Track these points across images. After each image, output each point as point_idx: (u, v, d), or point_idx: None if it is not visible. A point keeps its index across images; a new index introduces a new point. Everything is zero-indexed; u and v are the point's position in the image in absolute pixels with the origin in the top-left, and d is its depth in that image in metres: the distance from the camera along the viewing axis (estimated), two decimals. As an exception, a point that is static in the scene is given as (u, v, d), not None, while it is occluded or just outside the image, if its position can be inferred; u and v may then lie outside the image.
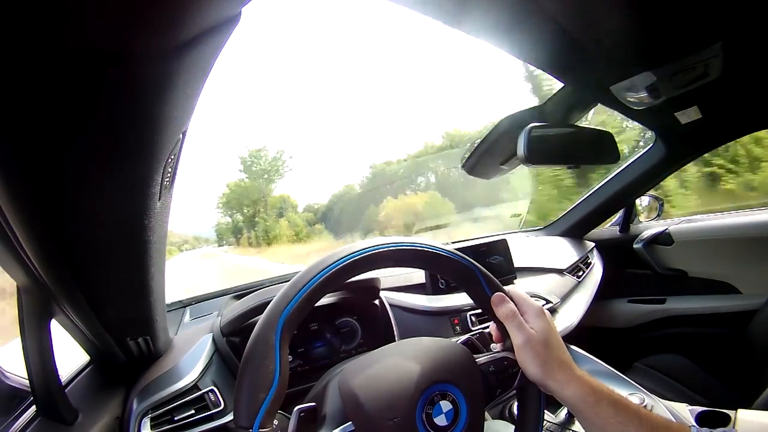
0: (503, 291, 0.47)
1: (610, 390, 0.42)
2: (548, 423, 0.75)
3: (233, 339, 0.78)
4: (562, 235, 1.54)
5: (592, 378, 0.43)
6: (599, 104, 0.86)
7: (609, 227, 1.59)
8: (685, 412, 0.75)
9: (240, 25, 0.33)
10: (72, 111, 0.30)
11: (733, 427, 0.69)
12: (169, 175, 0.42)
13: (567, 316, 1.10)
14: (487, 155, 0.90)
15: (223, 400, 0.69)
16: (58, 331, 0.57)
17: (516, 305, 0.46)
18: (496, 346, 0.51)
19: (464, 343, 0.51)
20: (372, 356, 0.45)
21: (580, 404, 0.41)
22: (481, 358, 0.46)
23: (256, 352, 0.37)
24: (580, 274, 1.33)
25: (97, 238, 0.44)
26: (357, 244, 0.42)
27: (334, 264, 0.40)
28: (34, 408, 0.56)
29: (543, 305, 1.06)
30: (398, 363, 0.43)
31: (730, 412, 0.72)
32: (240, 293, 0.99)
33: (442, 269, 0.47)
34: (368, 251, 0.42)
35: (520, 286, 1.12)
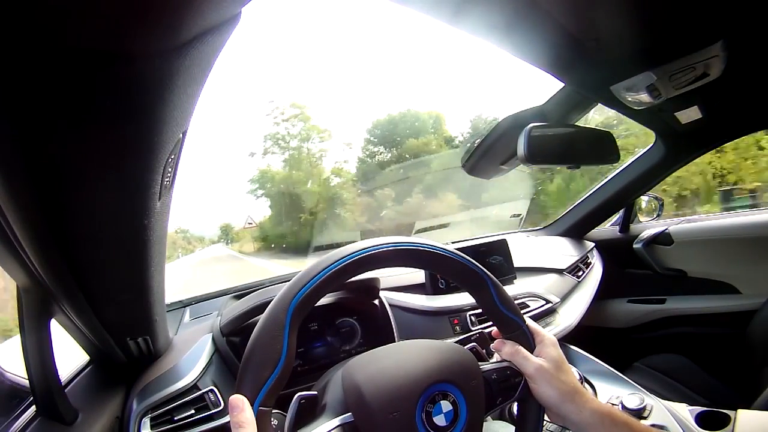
0: (515, 308, 0.49)
1: (621, 411, 0.45)
2: (548, 423, 0.75)
3: (233, 339, 0.78)
4: (562, 235, 1.54)
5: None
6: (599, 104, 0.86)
7: (609, 227, 1.59)
8: (685, 412, 0.75)
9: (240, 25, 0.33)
10: (72, 111, 0.30)
11: (733, 428, 0.69)
12: (169, 175, 0.42)
13: (567, 316, 1.10)
14: (487, 155, 0.90)
15: (223, 400, 0.68)
16: (58, 332, 0.57)
17: (533, 336, 0.49)
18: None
19: (466, 346, 0.51)
20: (377, 352, 0.45)
21: (598, 425, 0.43)
22: (485, 366, 0.46)
23: (266, 330, 0.37)
24: (580, 274, 1.33)
25: (97, 238, 0.44)
26: (371, 240, 0.43)
27: (352, 254, 0.41)
28: (33, 408, 0.56)
29: (543, 305, 1.07)
30: (403, 360, 0.43)
31: (730, 412, 0.72)
32: (240, 293, 0.99)
33: (454, 274, 0.47)
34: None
35: (520, 286, 1.13)
